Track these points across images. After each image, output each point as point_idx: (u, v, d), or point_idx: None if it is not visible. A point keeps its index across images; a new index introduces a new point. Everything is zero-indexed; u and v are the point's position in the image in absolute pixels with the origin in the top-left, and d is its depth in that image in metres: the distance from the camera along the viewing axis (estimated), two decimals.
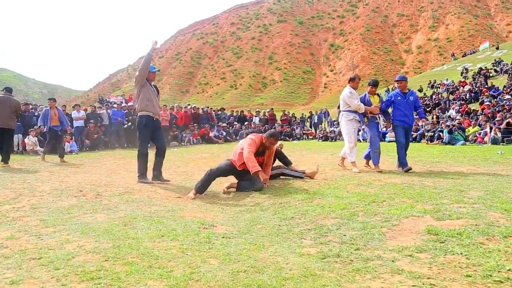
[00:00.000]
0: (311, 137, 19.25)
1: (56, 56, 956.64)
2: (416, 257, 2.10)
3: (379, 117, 6.15)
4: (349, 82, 6.09)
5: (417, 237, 2.44)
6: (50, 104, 8.90)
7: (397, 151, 5.92)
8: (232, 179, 4.87)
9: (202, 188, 4.45)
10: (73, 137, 11.44)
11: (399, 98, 6.05)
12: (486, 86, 20.24)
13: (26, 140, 10.35)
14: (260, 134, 5.00)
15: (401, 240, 2.39)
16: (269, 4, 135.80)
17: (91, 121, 12.28)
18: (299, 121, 21.23)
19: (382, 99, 6.36)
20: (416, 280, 1.81)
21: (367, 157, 6.26)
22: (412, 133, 14.17)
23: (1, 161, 7.10)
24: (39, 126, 9.05)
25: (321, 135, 17.58)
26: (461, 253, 2.10)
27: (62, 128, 8.92)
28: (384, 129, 5.97)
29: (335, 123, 21.89)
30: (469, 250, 2.14)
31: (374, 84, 6.28)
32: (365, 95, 6.14)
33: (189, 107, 16.88)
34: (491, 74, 25.42)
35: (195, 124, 15.28)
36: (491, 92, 18.17)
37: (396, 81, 6.36)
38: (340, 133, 17.33)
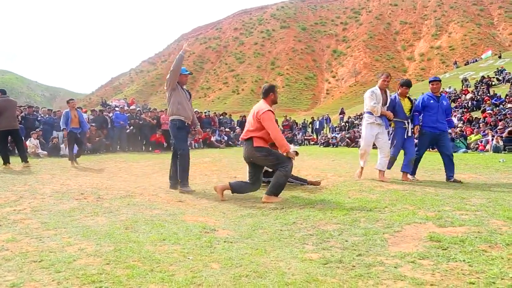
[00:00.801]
0: (312, 142, 19.33)
1: (59, 59, 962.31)
2: (418, 263, 2.09)
3: (407, 123, 5.50)
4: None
5: (420, 243, 2.43)
6: (70, 105, 8.52)
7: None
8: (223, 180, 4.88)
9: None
10: None
11: (431, 101, 5.40)
12: (488, 94, 20.25)
13: (27, 142, 10.36)
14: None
15: (403, 247, 2.38)
16: (273, 10, 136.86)
17: (92, 124, 12.30)
18: (300, 126, 21.28)
19: (414, 102, 5.75)
20: (419, 286, 1.80)
21: (406, 169, 5.45)
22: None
23: (22, 161, 7.16)
24: (62, 129, 8.49)
25: (322, 141, 17.61)
26: (464, 260, 2.09)
27: (83, 131, 8.67)
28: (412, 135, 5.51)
29: (336, 129, 21.97)
30: (471, 257, 2.13)
31: (407, 84, 5.60)
32: (395, 97, 5.53)
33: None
34: (493, 83, 25.44)
35: (195, 129, 15.30)
36: (493, 101, 18.18)
37: (430, 82, 5.66)
38: (342, 139, 17.42)
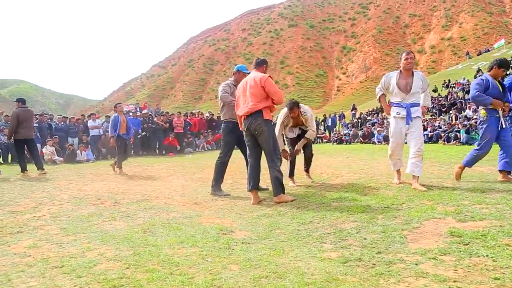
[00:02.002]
0: (325, 140, 19.18)
1: (72, 66, 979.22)
2: (440, 259, 2.05)
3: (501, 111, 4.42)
4: None
5: (440, 239, 2.38)
6: (118, 109, 8.17)
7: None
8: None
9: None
10: (89, 145, 11.63)
11: None
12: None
13: (44, 150, 10.56)
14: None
15: (423, 243, 2.34)
16: (280, 8, 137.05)
17: (107, 130, 12.46)
18: None
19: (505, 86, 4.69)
20: (442, 283, 1.77)
21: (506, 167, 4.40)
22: (428, 133, 13.97)
23: (38, 169, 7.34)
24: (112, 136, 7.98)
25: (335, 138, 17.48)
26: (487, 255, 2.04)
27: (129, 136, 8.40)
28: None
29: (349, 125, 21.79)
30: (495, 252, 2.08)
31: (505, 65, 4.61)
32: (486, 79, 4.51)
33: (207, 114, 17.10)
34: (508, 72, 24.86)
35: (209, 130, 15.40)
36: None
37: None
38: (355, 136, 17.21)
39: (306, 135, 5.26)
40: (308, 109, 5.26)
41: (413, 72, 4.36)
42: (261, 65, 4.44)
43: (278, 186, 4.08)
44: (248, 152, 4.40)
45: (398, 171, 4.63)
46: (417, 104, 4.36)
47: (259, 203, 4.14)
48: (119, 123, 7.83)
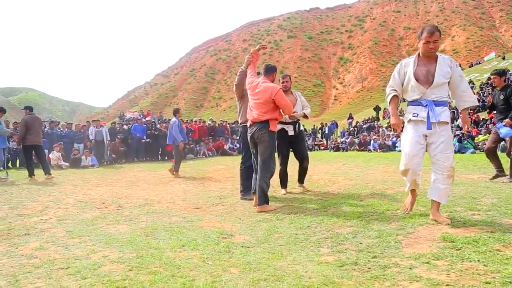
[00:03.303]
0: (322, 147, 19.44)
1: (78, 75, 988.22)
2: (433, 264, 2.11)
3: None
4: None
5: (433, 244, 2.44)
6: (179, 115, 8.16)
7: None
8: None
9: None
10: (92, 151, 11.75)
11: None
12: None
13: (50, 155, 10.70)
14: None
15: (417, 248, 2.40)
16: (279, 20, 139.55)
17: (118, 136, 12.62)
18: (310, 132, 21.49)
19: None
20: (434, 287, 1.83)
21: None
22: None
23: (45, 174, 7.49)
24: (181, 141, 8.00)
25: (332, 146, 17.67)
26: (479, 260, 2.09)
27: (186, 141, 8.41)
28: None
29: (345, 133, 22.13)
30: (486, 257, 2.14)
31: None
32: None
33: (208, 121, 17.26)
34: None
35: (209, 137, 15.51)
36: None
37: None
38: (351, 143, 17.31)
39: (305, 111, 5.03)
40: (300, 94, 5.28)
41: (437, 56, 3.06)
42: (270, 72, 4.45)
43: (262, 197, 4.10)
44: (254, 159, 4.45)
45: (413, 193, 3.35)
46: (444, 103, 3.04)
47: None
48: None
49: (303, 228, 3.12)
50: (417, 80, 3.05)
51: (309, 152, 5.56)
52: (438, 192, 2.99)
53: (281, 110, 4.23)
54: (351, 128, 24.30)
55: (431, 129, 2.99)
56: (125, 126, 14.17)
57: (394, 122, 3.19)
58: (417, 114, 3.06)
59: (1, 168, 8.19)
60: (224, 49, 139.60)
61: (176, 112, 8.37)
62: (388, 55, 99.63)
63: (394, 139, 15.38)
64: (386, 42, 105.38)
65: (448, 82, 3.05)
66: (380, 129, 19.01)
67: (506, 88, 5.22)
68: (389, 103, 3.28)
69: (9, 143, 9.61)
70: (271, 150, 4.16)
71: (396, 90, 3.21)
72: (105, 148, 12.20)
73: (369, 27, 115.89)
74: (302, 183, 5.34)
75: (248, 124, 4.34)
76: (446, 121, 3.01)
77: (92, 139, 11.87)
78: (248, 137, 4.34)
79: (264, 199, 4.10)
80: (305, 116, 5.08)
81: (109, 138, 12.32)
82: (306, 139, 19.46)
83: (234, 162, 10.52)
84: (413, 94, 3.11)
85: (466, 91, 3.08)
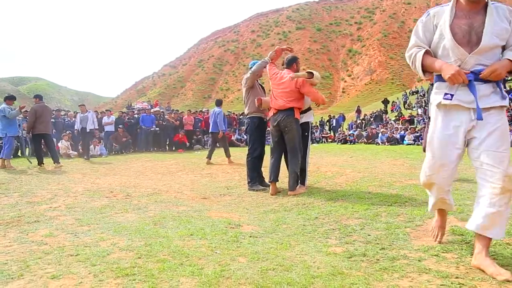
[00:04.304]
0: (330, 140, 19.43)
1: (87, 65, 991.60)
2: (442, 256, 2.09)
3: None
4: None
5: (442, 237, 2.41)
6: (221, 106, 8.73)
7: None
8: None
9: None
10: (101, 141, 11.84)
11: None
12: (505, 89, 19.59)
13: (59, 144, 10.81)
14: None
15: (426, 240, 2.38)
16: (288, 12, 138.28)
17: (119, 126, 12.67)
18: (318, 124, 21.48)
19: None
20: (444, 279, 1.80)
21: None
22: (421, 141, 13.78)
23: (54, 162, 7.58)
24: (222, 131, 8.64)
25: (340, 138, 17.60)
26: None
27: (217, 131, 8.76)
28: None
29: (353, 126, 22.03)
30: (495, 250, 2.12)
31: None
32: None
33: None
34: (508, 78, 24.46)
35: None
36: (510, 96, 17.56)
37: None
38: (359, 136, 17.22)
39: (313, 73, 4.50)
40: None
41: (487, 4, 1.97)
42: (291, 63, 4.63)
43: (296, 181, 4.36)
44: (271, 146, 4.62)
45: (441, 213, 2.37)
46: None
47: (276, 194, 4.42)
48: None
49: (311, 219, 3.11)
50: (455, 37, 1.97)
51: (316, 144, 5.52)
52: (485, 221, 1.91)
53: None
54: (359, 121, 24.20)
55: (481, 119, 1.92)
56: (136, 115, 14.23)
57: (450, 71, 1.93)
58: (452, 96, 2.00)
59: (13, 156, 8.30)
60: (232, 40, 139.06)
61: (219, 103, 9.07)
62: (398, 48, 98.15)
63: (402, 132, 15.23)
64: (395, 35, 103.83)
65: (503, 45, 1.97)
66: (389, 124, 18.90)
67: None
68: (421, 61, 2.07)
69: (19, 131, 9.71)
70: (299, 138, 4.40)
71: (422, 47, 2.11)
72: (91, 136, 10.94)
73: (378, 19, 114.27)
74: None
75: (271, 113, 4.51)
76: (500, 104, 1.96)
77: (76, 129, 10.80)
78: (272, 125, 4.49)
79: (297, 184, 4.38)
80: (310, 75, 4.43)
81: (96, 126, 11.12)
82: (313, 131, 19.45)
83: (242, 153, 10.53)
84: (447, 59, 2.02)
85: None
